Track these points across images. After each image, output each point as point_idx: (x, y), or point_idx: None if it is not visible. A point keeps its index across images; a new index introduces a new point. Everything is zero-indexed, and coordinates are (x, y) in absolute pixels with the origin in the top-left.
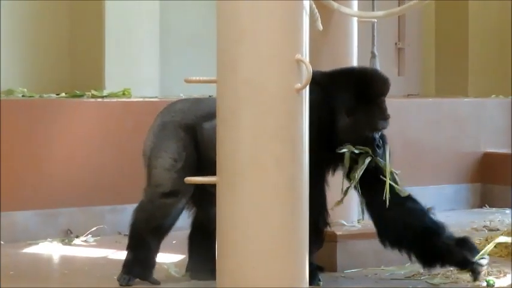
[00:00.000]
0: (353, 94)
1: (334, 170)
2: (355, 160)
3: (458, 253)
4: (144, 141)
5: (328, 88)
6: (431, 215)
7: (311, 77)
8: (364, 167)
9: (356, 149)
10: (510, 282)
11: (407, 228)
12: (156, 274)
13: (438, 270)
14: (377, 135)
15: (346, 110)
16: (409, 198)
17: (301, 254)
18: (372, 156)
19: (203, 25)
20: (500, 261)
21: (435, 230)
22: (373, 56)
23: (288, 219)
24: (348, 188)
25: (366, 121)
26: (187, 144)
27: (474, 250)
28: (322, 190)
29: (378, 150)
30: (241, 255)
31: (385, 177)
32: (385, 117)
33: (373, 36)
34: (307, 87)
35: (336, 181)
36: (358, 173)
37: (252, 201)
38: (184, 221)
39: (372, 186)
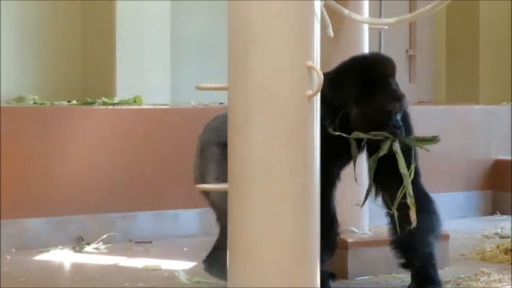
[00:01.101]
0: (357, 83)
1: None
2: (374, 149)
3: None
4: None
5: (332, 86)
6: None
7: (322, 83)
8: (383, 152)
9: (368, 135)
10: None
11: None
12: (167, 281)
13: (449, 277)
14: (396, 118)
15: (355, 101)
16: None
17: (313, 261)
18: (392, 140)
19: (214, 33)
20: None
21: (414, 247)
22: None
23: (300, 227)
24: (369, 189)
25: (375, 107)
26: (225, 161)
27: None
28: (332, 198)
29: (398, 132)
30: (252, 262)
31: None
32: (394, 98)
33: (379, 43)
34: (319, 94)
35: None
36: (374, 159)
37: (263, 208)
38: (194, 229)
39: (388, 180)
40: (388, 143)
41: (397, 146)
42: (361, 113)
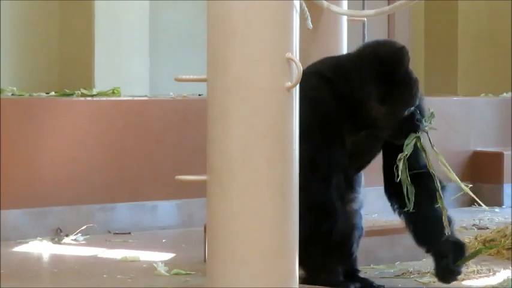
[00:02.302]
0: (378, 77)
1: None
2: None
3: (439, 266)
4: None
5: (348, 80)
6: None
7: (301, 75)
8: (408, 151)
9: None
10: (499, 281)
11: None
12: (146, 273)
13: (427, 268)
14: (416, 110)
15: (377, 97)
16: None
17: (292, 253)
18: (417, 137)
19: (193, 24)
20: (490, 260)
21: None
22: None
23: (278, 218)
24: (407, 192)
25: (401, 104)
26: None
27: (459, 255)
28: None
29: (420, 126)
30: (231, 254)
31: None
32: (416, 90)
33: (363, 34)
34: (298, 86)
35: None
36: (404, 160)
37: (242, 199)
38: (172, 220)
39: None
40: (413, 141)
41: (423, 142)
42: (388, 112)
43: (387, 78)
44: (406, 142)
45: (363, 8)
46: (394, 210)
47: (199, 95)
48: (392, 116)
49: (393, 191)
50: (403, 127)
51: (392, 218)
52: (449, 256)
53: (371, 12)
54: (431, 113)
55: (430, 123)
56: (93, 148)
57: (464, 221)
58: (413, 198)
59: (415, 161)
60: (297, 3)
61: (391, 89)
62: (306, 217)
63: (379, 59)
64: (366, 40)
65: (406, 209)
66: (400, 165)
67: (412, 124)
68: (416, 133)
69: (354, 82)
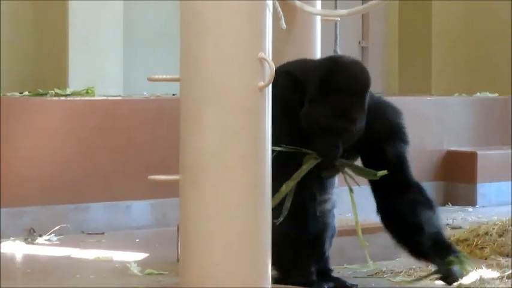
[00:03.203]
0: (319, 82)
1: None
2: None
3: (433, 257)
4: None
5: (301, 74)
6: (429, 208)
7: (274, 74)
8: (305, 169)
9: (285, 148)
10: (472, 281)
11: (403, 222)
12: (119, 273)
13: (400, 268)
14: (338, 138)
15: (309, 97)
16: (414, 187)
17: (264, 252)
18: (315, 158)
19: (167, 24)
20: None
21: (421, 227)
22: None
23: (251, 218)
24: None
25: (317, 114)
26: None
27: (449, 252)
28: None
29: (330, 153)
30: (204, 253)
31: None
32: (340, 115)
33: (335, 35)
34: (270, 86)
35: None
36: (299, 174)
37: (215, 199)
38: (146, 220)
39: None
40: (311, 161)
41: (342, 165)
42: (307, 113)
43: (324, 86)
44: (304, 161)
45: (336, 8)
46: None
47: (173, 94)
48: (308, 120)
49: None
50: (316, 145)
51: (365, 218)
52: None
53: (344, 12)
54: (376, 173)
55: (351, 169)
56: (67, 148)
57: None
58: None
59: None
60: (270, 3)
61: (321, 97)
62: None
63: (328, 65)
64: (338, 40)
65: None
66: (290, 184)
67: (323, 148)
68: (315, 156)
69: (302, 79)
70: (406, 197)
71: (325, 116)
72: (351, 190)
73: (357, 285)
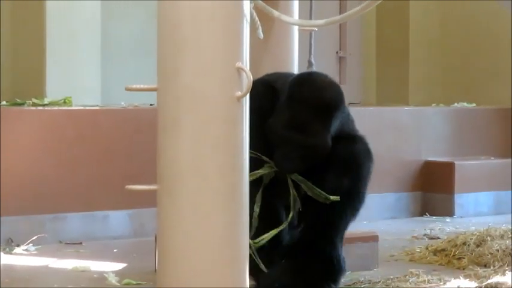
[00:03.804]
0: (287, 94)
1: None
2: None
3: None
4: None
5: (277, 85)
6: None
7: (251, 85)
8: (258, 174)
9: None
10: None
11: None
12: (96, 283)
13: (378, 278)
14: (286, 152)
15: (277, 107)
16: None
17: (242, 262)
18: (274, 170)
19: (144, 34)
20: (441, 269)
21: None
22: (310, 64)
23: (229, 227)
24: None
25: (277, 124)
26: None
27: None
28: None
29: (282, 165)
30: (181, 263)
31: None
32: (295, 127)
33: (310, 44)
34: (248, 96)
35: None
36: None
37: (192, 209)
38: (124, 230)
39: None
40: (266, 169)
41: (298, 180)
42: (269, 123)
43: (288, 98)
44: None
45: (310, 17)
46: None
47: (151, 104)
48: (268, 130)
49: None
50: (275, 155)
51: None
52: None
53: (321, 22)
54: (328, 198)
55: (305, 187)
56: (44, 157)
57: (415, 230)
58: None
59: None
60: (247, 13)
61: (283, 108)
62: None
63: (295, 78)
64: (313, 50)
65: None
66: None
67: (277, 158)
68: (271, 165)
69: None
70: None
71: (283, 127)
72: (294, 207)
73: None
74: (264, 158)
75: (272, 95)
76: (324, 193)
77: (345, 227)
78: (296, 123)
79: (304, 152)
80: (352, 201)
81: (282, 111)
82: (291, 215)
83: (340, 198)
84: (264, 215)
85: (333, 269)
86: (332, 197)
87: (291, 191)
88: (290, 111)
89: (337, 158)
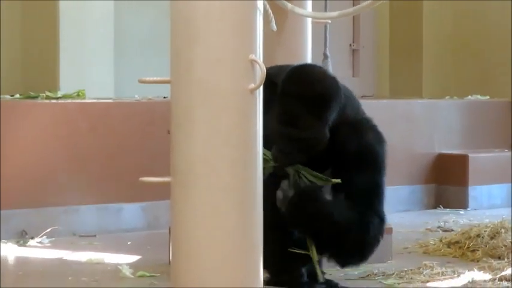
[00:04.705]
0: (280, 87)
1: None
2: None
3: None
4: None
5: (276, 80)
6: None
7: (265, 76)
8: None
9: None
10: (464, 283)
11: None
12: (110, 275)
13: (392, 270)
14: (287, 143)
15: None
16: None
17: (256, 254)
18: (270, 161)
19: (157, 26)
20: (455, 262)
21: None
22: (325, 57)
23: (242, 220)
24: None
25: (272, 118)
26: None
27: None
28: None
29: (279, 157)
30: (195, 255)
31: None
32: (282, 122)
33: (325, 37)
34: (261, 88)
35: None
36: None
37: (205, 201)
38: (138, 222)
39: None
40: (264, 162)
41: (292, 172)
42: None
43: (281, 96)
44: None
45: (325, 10)
46: None
47: (164, 97)
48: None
49: None
50: (273, 149)
51: None
52: None
53: (335, 14)
54: (329, 180)
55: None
56: (58, 150)
57: (429, 223)
58: None
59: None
60: (260, 5)
61: (275, 100)
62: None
63: (288, 76)
64: (328, 42)
65: None
66: None
67: (274, 152)
68: (267, 158)
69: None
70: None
71: (278, 122)
72: None
73: None
74: (264, 150)
75: (271, 89)
76: (325, 176)
77: (380, 217)
78: (290, 117)
79: (300, 145)
80: (377, 194)
81: (275, 105)
82: None
83: (363, 192)
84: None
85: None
86: (333, 180)
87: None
88: (284, 105)
89: (350, 152)
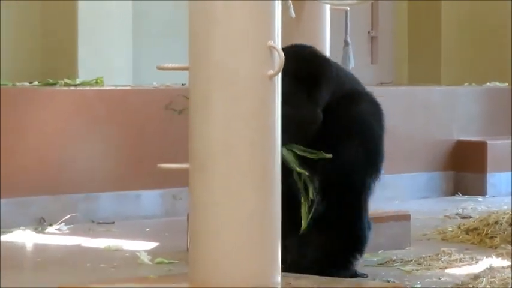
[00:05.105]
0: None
1: None
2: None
3: None
4: None
5: None
6: None
7: (283, 63)
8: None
9: None
10: (482, 269)
11: None
12: (129, 262)
13: (410, 256)
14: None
15: None
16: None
17: (274, 240)
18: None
19: (176, 13)
20: (473, 248)
21: None
22: (346, 44)
23: (261, 206)
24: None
25: None
26: None
27: None
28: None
29: None
30: (213, 242)
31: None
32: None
33: (346, 24)
34: (280, 74)
35: None
36: None
37: (224, 188)
38: (157, 209)
39: None
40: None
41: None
42: None
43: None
44: None
45: None
46: None
47: (183, 84)
48: None
49: None
50: None
51: (377, 207)
52: None
53: (353, 1)
54: (320, 154)
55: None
56: (76, 137)
57: (447, 210)
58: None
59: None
60: None
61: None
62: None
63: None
64: (348, 29)
65: None
66: None
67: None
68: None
69: None
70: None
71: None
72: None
73: (366, 275)
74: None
75: None
76: (315, 151)
77: (367, 194)
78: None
79: (292, 125)
80: (369, 165)
81: None
82: (311, 191)
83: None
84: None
85: (357, 239)
86: (326, 155)
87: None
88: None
89: (341, 123)
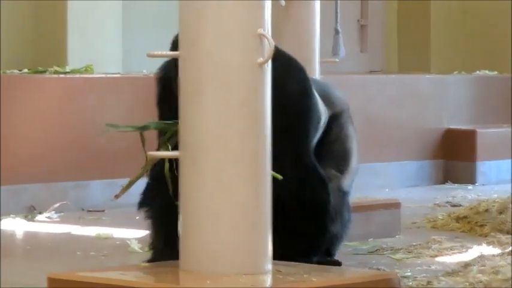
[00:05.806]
0: None
1: None
2: None
3: None
4: None
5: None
6: None
7: (273, 51)
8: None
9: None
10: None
11: None
12: (119, 250)
13: (400, 245)
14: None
15: None
16: None
17: (265, 227)
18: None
19: (166, 0)
20: (463, 236)
21: None
22: (337, 32)
23: (251, 195)
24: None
25: None
26: None
27: None
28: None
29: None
30: (204, 231)
31: None
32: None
33: (336, 12)
34: (269, 62)
35: None
36: None
37: (214, 175)
38: None
39: None
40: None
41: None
42: None
43: None
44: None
45: None
46: None
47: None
48: None
49: None
50: None
51: (367, 195)
52: None
53: None
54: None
55: None
56: (67, 125)
57: (437, 198)
58: None
59: None
60: None
61: None
62: None
63: None
64: (339, 18)
65: None
66: None
67: None
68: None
69: None
70: None
71: None
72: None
73: (340, 262)
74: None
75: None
76: None
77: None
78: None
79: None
80: (293, 141)
81: None
82: None
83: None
84: None
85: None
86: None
87: None
88: None
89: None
